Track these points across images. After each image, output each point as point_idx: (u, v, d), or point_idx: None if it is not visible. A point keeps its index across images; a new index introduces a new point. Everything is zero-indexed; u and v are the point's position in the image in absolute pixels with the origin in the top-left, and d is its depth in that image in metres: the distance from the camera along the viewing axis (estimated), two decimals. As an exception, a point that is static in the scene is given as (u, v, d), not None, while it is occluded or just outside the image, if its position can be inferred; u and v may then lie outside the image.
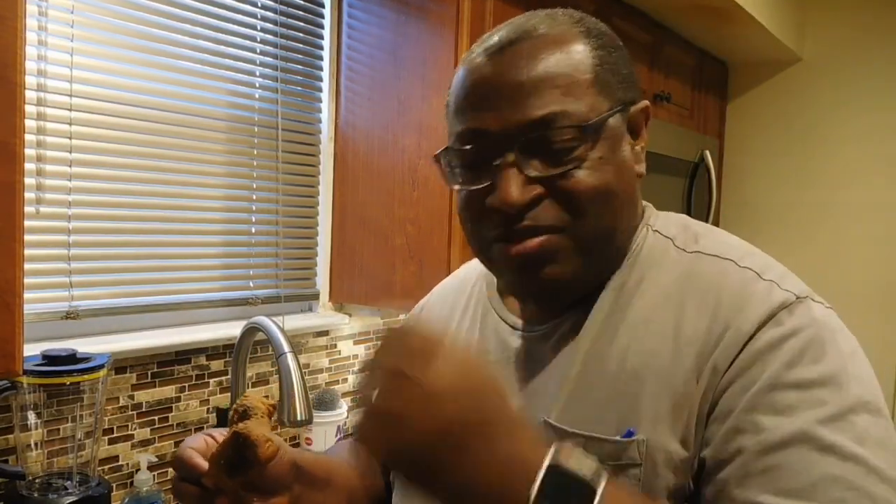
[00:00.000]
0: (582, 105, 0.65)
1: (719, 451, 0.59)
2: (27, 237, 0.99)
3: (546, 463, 0.48)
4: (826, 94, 2.90)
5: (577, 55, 0.66)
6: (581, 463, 0.49)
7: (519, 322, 0.76)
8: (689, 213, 2.55)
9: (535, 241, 0.66)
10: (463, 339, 0.80)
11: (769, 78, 3.02)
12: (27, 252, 1.01)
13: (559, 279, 0.68)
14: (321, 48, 1.87)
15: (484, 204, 0.67)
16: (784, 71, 2.99)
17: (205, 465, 0.65)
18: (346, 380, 1.95)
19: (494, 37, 0.68)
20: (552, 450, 0.49)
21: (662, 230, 0.72)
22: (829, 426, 0.56)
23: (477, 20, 1.65)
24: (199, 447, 0.69)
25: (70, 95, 1.37)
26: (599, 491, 0.48)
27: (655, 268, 0.69)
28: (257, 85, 1.73)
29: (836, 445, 0.55)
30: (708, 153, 2.63)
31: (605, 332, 0.68)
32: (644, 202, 0.76)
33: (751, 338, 0.60)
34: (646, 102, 0.71)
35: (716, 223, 3.00)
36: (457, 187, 0.70)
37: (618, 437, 0.63)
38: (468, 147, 0.67)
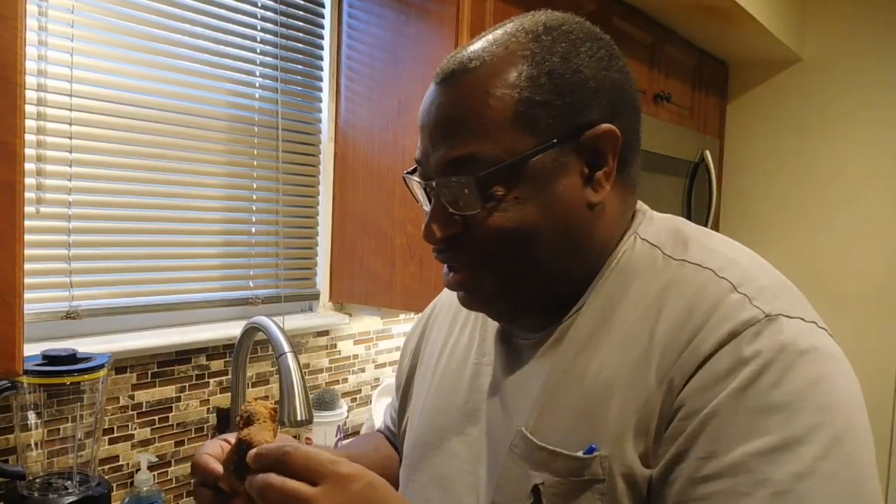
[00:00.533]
0: (497, 147, 0.64)
1: (663, 473, 0.59)
2: (27, 237, 0.99)
3: None
4: (826, 94, 2.90)
5: (502, 92, 0.64)
6: None
7: (516, 329, 0.76)
8: (688, 213, 2.55)
9: (455, 276, 0.70)
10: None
11: (769, 78, 3.02)
12: (27, 252, 1.01)
13: (489, 310, 0.72)
14: (321, 48, 1.87)
15: (424, 230, 0.70)
16: (784, 71, 2.99)
17: (220, 469, 0.66)
18: (346, 380, 1.95)
19: (448, 61, 0.69)
20: None
21: (651, 238, 0.70)
22: (768, 458, 0.54)
23: (477, 20, 1.65)
24: (215, 452, 0.69)
25: (70, 95, 1.37)
26: None
27: (640, 278, 0.67)
28: (257, 85, 1.73)
29: (770, 479, 0.53)
30: (708, 153, 2.63)
31: (588, 345, 0.67)
32: (640, 205, 0.75)
33: (708, 357, 0.58)
34: (607, 127, 0.66)
35: (716, 223, 3.00)
36: (420, 204, 0.74)
37: (580, 453, 0.63)
38: (415, 173, 0.71)
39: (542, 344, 0.71)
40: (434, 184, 0.68)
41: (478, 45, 0.68)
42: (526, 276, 0.67)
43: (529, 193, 0.65)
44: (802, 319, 0.60)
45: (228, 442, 0.69)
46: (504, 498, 0.68)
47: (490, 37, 0.68)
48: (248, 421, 0.66)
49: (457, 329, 0.86)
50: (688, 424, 0.58)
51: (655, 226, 0.72)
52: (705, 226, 2.60)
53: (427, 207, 0.71)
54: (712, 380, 0.58)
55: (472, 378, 0.78)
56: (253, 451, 0.59)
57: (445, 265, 0.72)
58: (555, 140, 0.65)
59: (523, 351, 0.74)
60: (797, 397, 0.56)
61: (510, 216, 0.65)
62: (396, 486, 0.87)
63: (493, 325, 0.79)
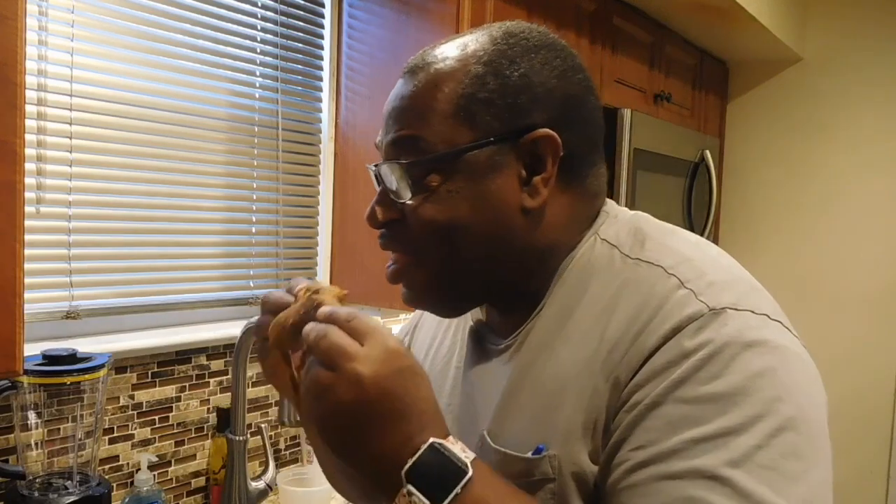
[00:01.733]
0: (435, 136, 0.66)
1: (604, 463, 0.60)
2: (27, 237, 0.99)
3: (429, 441, 0.56)
4: (826, 94, 2.90)
5: (447, 87, 0.67)
6: (462, 451, 0.56)
7: (489, 334, 0.77)
8: (688, 213, 2.56)
9: (392, 268, 0.73)
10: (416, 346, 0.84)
11: (770, 77, 3.02)
12: (27, 252, 1.01)
13: (424, 303, 0.73)
14: (321, 48, 1.87)
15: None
16: (784, 70, 2.99)
17: (291, 300, 0.67)
18: (346, 379, 1.95)
19: (414, 57, 0.73)
20: (441, 435, 0.57)
21: (611, 238, 0.70)
22: (701, 446, 0.54)
23: (477, 20, 1.65)
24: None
25: (70, 95, 1.37)
26: (470, 472, 0.55)
27: (599, 278, 0.67)
28: (258, 85, 1.73)
29: (702, 465, 0.54)
30: (708, 153, 2.63)
31: (547, 347, 0.68)
32: (609, 205, 0.74)
33: (653, 353, 0.59)
34: (545, 132, 0.66)
35: (716, 222, 3.01)
36: None
37: (528, 455, 0.64)
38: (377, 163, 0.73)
39: (509, 349, 0.72)
40: (378, 168, 0.70)
41: (443, 45, 0.71)
42: (456, 271, 0.68)
43: (462, 187, 0.66)
44: (752, 312, 0.60)
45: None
46: None
47: (457, 39, 0.71)
48: (317, 292, 0.67)
49: (441, 332, 0.86)
50: (628, 416, 0.59)
51: (617, 225, 0.72)
52: (704, 225, 2.62)
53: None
54: (654, 373, 0.58)
55: (453, 382, 0.79)
56: (327, 308, 0.61)
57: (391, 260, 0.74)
58: (492, 138, 0.66)
59: (492, 355, 0.75)
60: (739, 389, 0.55)
61: (441, 208, 0.66)
62: None
63: (472, 333, 0.80)
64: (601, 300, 0.66)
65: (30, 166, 1.28)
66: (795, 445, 0.55)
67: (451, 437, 0.57)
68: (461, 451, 0.56)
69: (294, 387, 0.67)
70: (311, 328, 0.59)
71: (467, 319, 0.81)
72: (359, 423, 0.56)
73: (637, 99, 2.33)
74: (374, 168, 0.72)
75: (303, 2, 1.82)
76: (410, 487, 0.54)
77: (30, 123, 1.28)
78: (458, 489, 0.54)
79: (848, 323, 2.81)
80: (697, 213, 2.61)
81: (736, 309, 0.59)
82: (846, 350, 2.79)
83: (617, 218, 0.73)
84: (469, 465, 0.55)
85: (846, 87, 2.86)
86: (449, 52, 0.69)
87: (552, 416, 0.64)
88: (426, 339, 0.89)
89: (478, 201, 0.66)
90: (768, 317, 0.60)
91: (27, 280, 0.97)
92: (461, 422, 0.76)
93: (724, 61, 3.04)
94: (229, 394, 1.60)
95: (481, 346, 0.77)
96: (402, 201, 0.68)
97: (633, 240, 0.69)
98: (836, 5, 2.86)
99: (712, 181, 2.64)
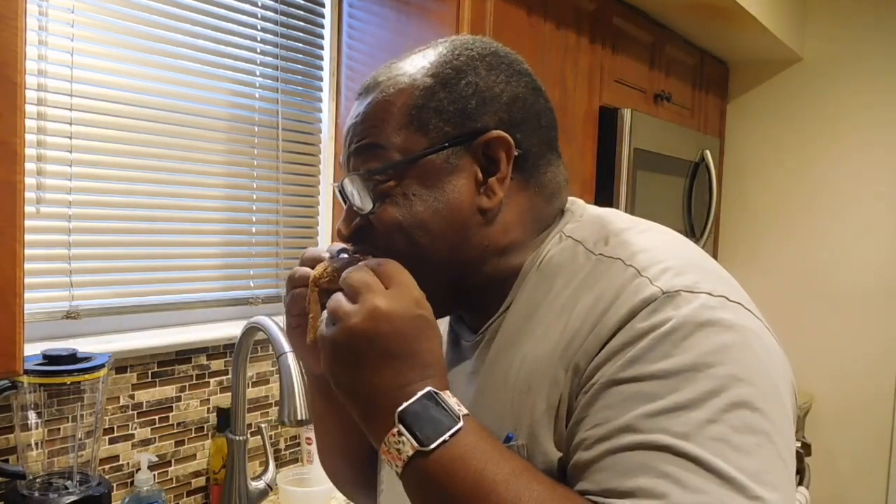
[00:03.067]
0: (391, 146, 0.70)
1: (566, 445, 0.62)
2: (27, 237, 0.99)
3: (427, 389, 0.59)
4: (826, 94, 2.90)
5: (399, 100, 0.70)
6: (458, 405, 0.59)
7: (464, 331, 0.79)
8: (688, 213, 2.56)
9: None
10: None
11: (770, 77, 3.02)
12: (27, 252, 1.01)
13: None
14: (321, 48, 1.87)
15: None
16: (785, 70, 2.99)
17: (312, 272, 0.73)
18: (346, 379, 1.95)
19: (367, 78, 0.76)
20: (440, 387, 0.60)
21: (576, 235, 0.72)
22: (654, 420, 0.55)
23: (477, 20, 1.65)
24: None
25: (70, 95, 1.37)
26: (460, 423, 0.58)
27: (563, 275, 0.69)
28: (258, 85, 1.73)
29: (654, 438, 0.55)
30: (708, 153, 2.63)
31: (513, 343, 0.70)
32: (572, 202, 0.77)
33: (609, 339, 0.60)
34: (495, 133, 0.69)
35: (716, 222, 3.01)
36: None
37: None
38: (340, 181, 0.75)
39: (479, 345, 0.75)
40: (339, 184, 0.73)
41: (394, 64, 0.75)
42: (421, 271, 0.69)
43: (420, 192, 0.69)
44: (710, 294, 0.61)
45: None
46: None
47: (407, 57, 0.75)
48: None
49: None
50: (585, 396, 0.60)
51: (583, 222, 0.74)
52: (705, 225, 2.62)
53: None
54: (610, 354, 0.60)
55: None
56: (368, 259, 0.67)
57: None
58: (446, 143, 0.70)
59: (466, 352, 0.77)
60: (691, 366, 0.56)
61: (401, 211, 0.69)
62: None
63: (450, 331, 0.81)
64: (563, 295, 0.67)
65: (30, 166, 1.28)
66: (748, 421, 0.55)
67: (448, 392, 0.60)
68: (456, 404, 0.59)
69: (314, 322, 0.72)
70: (348, 269, 0.63)
71: (448, 319, 0.83)
72: (365, 354, 0.59)
73: (637, 99, 2.34)
74: (337, 186, 0.75)
75: (303, 2, 1.82)
76: (401, 427, 0.57)
77: (30, 123, 1.28)
78: (446, 436, 0.57)
79: (848, 322, 2.81)
80: (697, 213, 2.61)
81: (691, 291, 0.60)
82: (846, 349, 2.79)
83: (582, 216, 0.75)
84: (461, 417, 0.58)
85: (846, 87, 2.86)
86: (399, 69, 0.73)
87: (518, 408, 0.66)
88: None
89: (436, 204, 0.69)
90: (727, 298, 0.61)
91: (27, 280, 0.97)
92: None
93: (724, 61, 3.04)
94: (229, 394, 1.60)
95: (457, 344, 0.79)
96: (365, 211, 0.71)
97: (597, 236, 0.70)
98: (836, 5, 2.86)
99: (712, 181, 2.64)
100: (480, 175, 0.70)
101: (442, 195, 0.69)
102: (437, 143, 0.69)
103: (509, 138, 0.69)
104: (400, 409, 0.58)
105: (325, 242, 1.91)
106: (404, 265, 0.69)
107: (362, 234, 0.72)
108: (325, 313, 0.64)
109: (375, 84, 0.73)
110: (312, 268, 0.73)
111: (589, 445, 0.58)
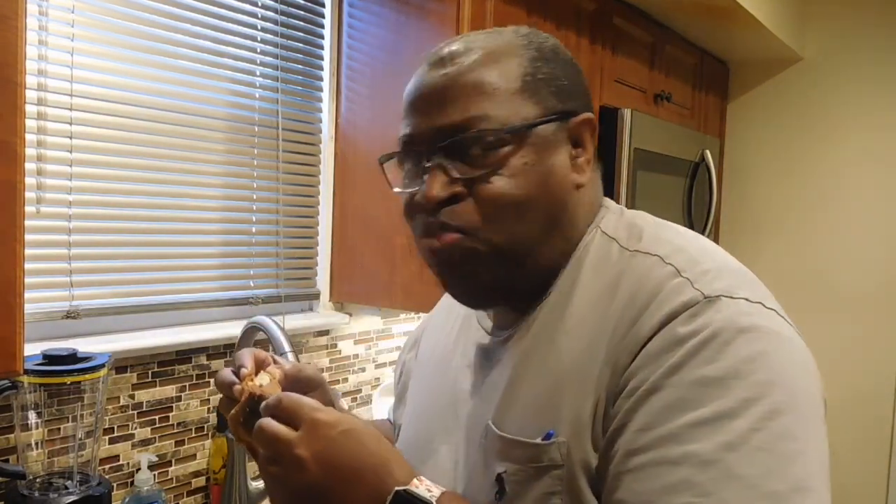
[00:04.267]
0: (506, 111, 0.67)
1: (605, 449, 0.61)
2: (28, 237, 0.99)
3: (393, 491, 0.59)
4: (827, 94, 2.90)
5: (509, 65, 0.69)
6: (428, 490, 0.59)
7: (491, 326, 0.79)
8: (689, 213, 2.55)
9: (447, 237, 0.69)
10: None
11: (770, 77, 3.02)
12: (27, 252, 1.01)
13: (478, 283, 0.71)
14: (321, 48, 1.87)
15: (415, 204, 0.71)
16: (785, 70, 2.99)
17: (235, 380, 0.73)
18: (346, 379, 1.95)
19: (439, 49, 0.72)
20: (405, 482, 0.60)
21: (609, 231, 0.72)
22: (698, 429, 0.55)
23: (477, 20, 1.65)
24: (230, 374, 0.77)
25: (71, 95, 1.37)
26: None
27: (597, 269, 0.69)
28: (258, 85, 1.73)
29: (699, 450, 0.54)
30: (708, 153, 2.63)
31: (548, 336, 0.69)
32: (607, 201, 0.77)
33: (649, 339, 0.60)
34: (589, 115, 0.71)
35: (716, 222, 3.01)
36: (397, 190, 0.75)
37: (538, 440, 0.65)
38: (404, 152, 0.72)
39: (511, 339, 0.74)
40: (437, 147, 0.68)
41: (473, 35, 0.72)
42: (523, 246, 0.69)
43: (532, 161, 0.68)
44: (747, 300, 0.61)
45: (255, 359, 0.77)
46: (474, 489, 0.71)
47: (480, 33, 0.73)
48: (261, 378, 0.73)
49: (444, 335, 0.88)
50: (627, 401, 0.60)
51: (615, 219, 0.74)
52: (705, 225, 2.62)
53: (400, 189, 0.74)
54: (650, 358, 0.59)
55: (453, 382, 0.80)
56: (264, 403, 0.65)
57: (428, 244, 0.72)
58: (555, 115, 0.69)
59: (496, 348, 0.76)
60: (732, 373, 0.56)
61: (513, 182, 0.67)
62: None
63: (474, 330, 0.81)
64: (599, 290, 0.67)
65: (30, 166, 1.28)
66: (789, 428, 0.56)
67: (415, 480, 0.60)
68: (426, 490, 0.59)
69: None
70: (255, 428, 0.63)
71: (471, 315, 0.83)
72: (319, 501, 0.59)
73: (637, 99, 2.33)
74: (415, 155, 0.71)
75: (303, 2, 1.82)
76: None
77: (30, 123, 1.28)
78: None
79: (848, 322, 2.81)
80: (697, 213, 2.61)
81: (731, 297, 0.61)
82: (846, 350, 2.79)
83: (615, 213, 0.75)
84: (434, 502, 0.58)
85: (846, 87, 2.86)
86: (491, 38, 0.71)
87: (556, 404, 0.65)
88: (429, 344, 0.91)
89: (544, 174, 0.68)
90: (763, 305, 0.62)
91: (27, 280, 0.97)
92: (468, 417, 0.76)
93: (724, 61, 3.04)
94: (229, 394, 1.60)
95: (483, 341, 0.79)
96: (474, 175, 0.67)
97: (629, 233, 0.71)
98: (836, 5, 2.86)
99: (712, 181, 2.64)
100: (573, 152, 0.71)
101: (550, 168, 0.69)
102: (547, 113, 0.69)
103: (596, 122, 0.71)
104: None
105: (324, 241, 1.91)
106: (500, 239, 0.68)
107: (455, 202, 0.68)
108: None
109: (467, 49, 0.70)
110: (228, 396, 0.73)
111: (630, 453, 0.58)
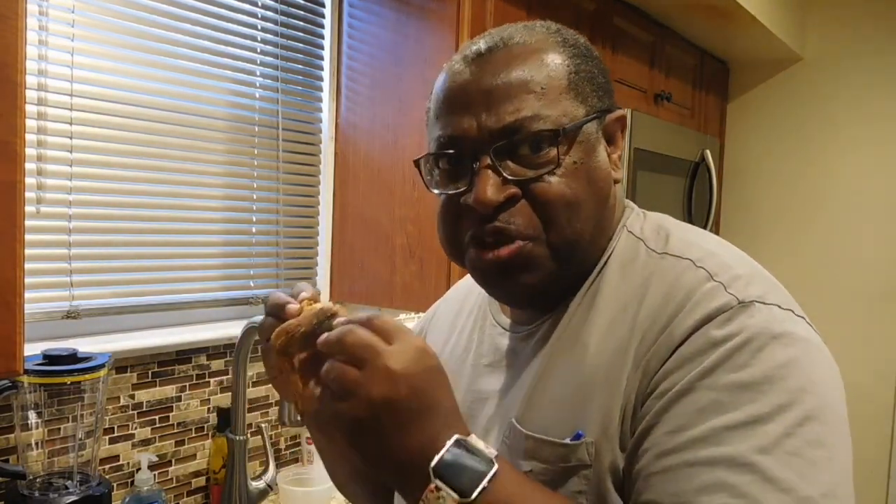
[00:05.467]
0: (556, 110, 0.66)
1: (634, 448, 0.61)
2: (28, 237, 0.99)
3: (454, 437, 0.56)
4: (827, 94, 2.90)
5: (553, 62, 0.68)
6: (486, 447, 0.57)
7: (508, 323, 0.78)
8: (689, 213, 2.55)
9: (507, 250, 0.67)
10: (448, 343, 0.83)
11: (770, 77, 3.02)
12: (28, 252, 1.01)
13: (534, 286, 0.69)
14: (321, 48, 1.87)
15: (460, 206, 0.68)
16: (785, 70, 2.99)
17: (295, 304, 0.66)
18: (346, 379, 1.95)
19: (473, 45, 0.70)
20: (464, 432, 0.57)
21: (636, 231, 0.72)
22: (732, 432, 0.55)
23: (477, 20, 1.65)
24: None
25: (71, 95, 1.37)
26: (496, 466, 0.55)
27: (624, 269, 0.69)
28: (258, 85, 1.73)
29: (733, 452, 0.54)
30: (709, 152, 2.63)
31: (575, 335, 0.69)
32: (628, 202, 0.77)
33: (682, 341, 0.60)
34: (622, 112, 0.72)
35: (716, 222, 3.01)
36: (437, 191, 0.71)
37: (567, 440, 0.64)
38: (447, 151, 0.69)
39: (534, 336, 0.73)
40: (492, 149, 0.66)
41: (511, 29, 0.71)
42: (579, 244, 0.69)
43: (583, 159, 0.68)
44: (779, 306, 0.61)
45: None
46: None
47: (513, 28, 0.71)
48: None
49: (455, 334, 0.87)
50: (657, 403, 0.59)
51: (641, 220, 0.74)
52: (705, 225, 2.62)
53: (438, 190, 0.71)
54: (683, 360, 0.59)
55: (469, 380, 0.79)
56: (345, 318, 0.61)
57: (481, 251, 0.69)
58: (597, 114, 0.69)
59: (517, 346, 0.75)
60: (767, 378, 0.57)
61: (568, 181, 0.66)
62: None
63: (490, 327, 0.80)
64: (628, 291, 0.67)
65: (30, 166, 1.28)
66: (819, 434, 0.56)
67: (472, 435, 0.58)
68: (485, 447, 0.57)
69: (298, 391, 0.65)
70: (331, 333, 0.58)
71: (486, 313, 0.82)
72: (390, 421, 0.55)
73: (637, 99, 2.33)
74: (468, 154, 0.68)
75: (303, 2, 1.82)
76: (439, 482, 0.55)
77: (30, 123, 1.29)
78: (485, 482, 0.55)
79: (848, 322, 2.81)
80: (697, 213, 2.61)
81: (763, 302, 0.61)
82: (846, 349, 2.79)
83: (639, 214, 0.75)
84: (494, 459, 0.56)
85: (847, 87, 2.86)
86: (525, 34, 0.70)
87: (585, 404, 0.64)
88: (440, 336, 0.89)
89: (593, 171, 0.69)
90: (793, 312, 0.62)
91: (27, 280, 0.97)
92: (488, 415, 0.76)
93: (724, 61, 3.04)
94: (229, 393, 1.60)
95: (503, 339, 0.78)
96: (530, 176, 0.65)
97: (656, 235, 0.71)
98: (837, 5, 2.86)
99: (712, 181, 2.64)
100: (608, 149, 0.72)
101: (597, 165, 0.69)
102: (591, 112, 0.69)
103: (626, 120, 0.72)
104: (433, 464, 0.55)
105: (324, 241, 1.91)
106: (559, 240, 0.67)
107: (511, 205, 0.66)
108: (315, 388, 0.59)
109: (509, 44, 0.68)
110: (278, 317, 0.65)
111: (663, 454, 0.57)
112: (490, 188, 0.65)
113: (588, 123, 0.68)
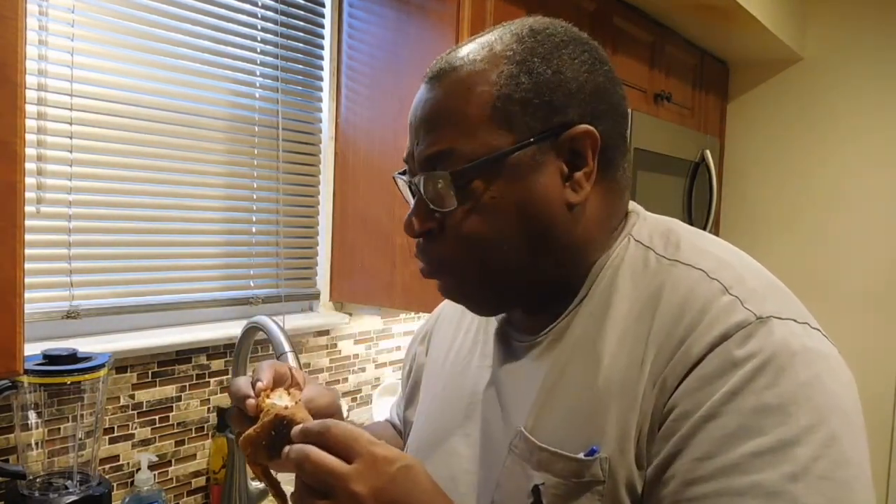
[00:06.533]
0: (472, 144, 0.65)
1: (657, 473, 0.60)
2: (28, 237, 0.99)
3: None
4: (827, 94, 2.90)
5: (480, 90, 0.65)
6: None
7: (514, 325, 0.77)
8: (689, 213, 2.55)
9: (427, 269, 0.72)
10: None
11: (770, 77, 3.02)
12: (28, 252, 1.01)
13: (465, 301, 0.73)
14: (321, 48, 1.87)
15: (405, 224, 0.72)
16: (785, 70, 2.98)
17: (251, 392, 0.69)
18: (346, 379, 1.95)
19: (434, 64, 0.71)
20: None
21: (644, 239, 0.70)
22: (762, 459, 0.54)
23: (477, 20, 1.65)
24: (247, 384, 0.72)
25: (71, 95, 1.37)
26: None
27: (634, 279, 0.67)
28: (258, 85, 1.73)
29: (764, 481, 0.54)
30: (708, 152, 2.63)
31: (585, 345, 0.67)
32: (634, 206, 0.75)
33: (700, 359, 0.59)
34: (584, 128, 0.66)
35: (716, 222, 3.01)
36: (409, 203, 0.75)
37: (581, 455, 0.63)
38: (402, 171, 0.73)
39: (539, 345, 0.72)
40: (416, 180, 0.69)
41: (466, 47, 0.70)
42: (492, 280, 0.69)
43: (507, 192, 0.65)
44: (795, 321, 0.61)
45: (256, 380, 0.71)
46: (504, 497, 0.69)
47: (479, 39, 0.70)
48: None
49: (461, 333, 0.86)
50: (682, 425, 0.58)
51: (648, 227, 0.72)
52: (705, 225, 2.62)
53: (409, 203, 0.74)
54: (704, 381, 0.58)
55: (473, 381, 0.79)
56: (299, 427, 0.62)
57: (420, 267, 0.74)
58: (532, 139, 0.65)
59: (521, 352, 0.74)
60: (792, 398, 0.56)
61: (485, 218, 0.66)
62: None
63: (493, 330, 0.80)
64: (639, 300, 0.65)
65: (30, 166, 1.28)
66: (846, 453, 0.56)
67: None
68: None
69: (278, 492, 0.69)
70: (289, 452, 0.60)
71: (489, 318, 0.81)
72: None
73: (637, 99, 2.33)
74: (407, 179, 0.72)
75: (303, 2, 1.82)
76: None
77: (30, 123, 1.29)
78: None
79: (848, 323, 2.81)
80: (697, 213, 2.61)
81: (780, 318, 0.60)
82: (847, 350, 2.75)
83: (646, 220, 0.73)
84: None
85: (847, 87, 2.86)
86: (475, 53, 0.68)
87: (600, 419, 0.63)
88: (444, 342, 0.89)
89: (523, 203, 0.66)
90: (809, 325, 0.61)
91: (27, 280, 0.97)
92: (486, 417, 0.75)
93: (724, 61, 3.04)
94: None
95: (506, 343, 0.77)
96: (446, 210, 0.67)
97: (666, 241, 0.69)
98: (836, 5, 2.86)
99: (712, 181, 2.64)
100: (566, 169, 0.67)
101: (530, 194, 0.66)
102: (523, 138, 0.65)
103: (597, 134, 0.66)
104: None
105: (324, 241, 1.91)
106: (471, 275, 0.68)
107: (433, 236, 0.69)
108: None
109: (448, 69, 0.68)
110: (240, 409, 0.68)
111: (690, 482, 0.56)
112: (414, 218, 0.69)
113: (521, 151, 0.65)
